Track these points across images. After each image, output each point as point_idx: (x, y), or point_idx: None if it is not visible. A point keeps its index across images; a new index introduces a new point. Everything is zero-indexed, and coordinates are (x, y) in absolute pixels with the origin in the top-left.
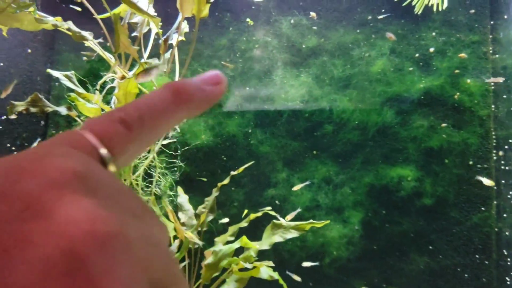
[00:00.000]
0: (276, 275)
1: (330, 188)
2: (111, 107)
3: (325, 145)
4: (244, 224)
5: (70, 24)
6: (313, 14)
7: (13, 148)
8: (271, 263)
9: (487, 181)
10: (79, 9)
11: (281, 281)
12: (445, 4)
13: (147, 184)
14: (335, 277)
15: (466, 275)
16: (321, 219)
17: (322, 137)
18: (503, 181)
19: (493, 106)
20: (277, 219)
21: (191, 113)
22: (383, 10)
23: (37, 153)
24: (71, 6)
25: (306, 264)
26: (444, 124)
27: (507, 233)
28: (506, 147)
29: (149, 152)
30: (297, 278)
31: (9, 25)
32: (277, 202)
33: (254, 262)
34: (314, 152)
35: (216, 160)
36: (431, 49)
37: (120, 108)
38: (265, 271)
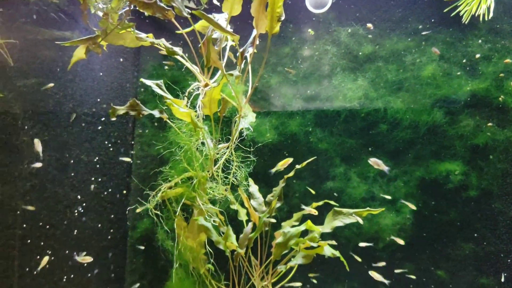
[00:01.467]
0: (337, 253)
1: (384, 181)
2: (196, 111)
3: (380, 143)
4: (305, 212)
5: (163, 40)
6: (369, 25)
7: (109, 145)
8: (334, 242)
9: None
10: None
11: (342, 259)
12: (491, 14)
13: (225, 175)
14: (388, 260)
15: (508, 260)
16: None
17: (376, 135)
18: None
19: None
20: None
21: None
22: (433, 20)
23: None
24: (149, 20)
25: (362, 244)
26: (489, 124)
27: None
28: None
29: (227, 148)
30: (358, 258)
31: (115, 42)
32: (335, 194)
33: (319, 242)
34: (369, 149)
35: (280, 156)
36: (477, 55)
37: None
38: (328, 249)
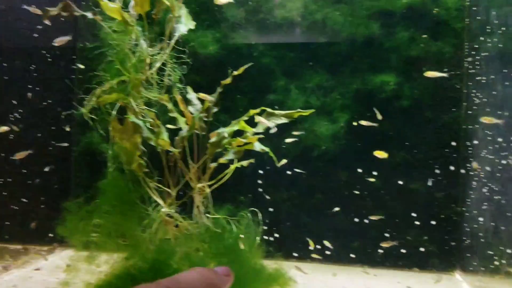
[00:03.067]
0: (267, 149)
1: (321, 93)
2: (128, 11)
3: (319, 56)
4: (244, 118)
5: None
6: None
7: (46, 53)
8: (262, 136)
9: None
10: None
11: (271, 154)
12: None
13: (161, 78)
14: (322, 167)
15: (436, 166)
16: (313, 120)
17: (316, 48)
18: (470, 83)
19: (467, 20)
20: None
21: None
22: None
23: None
24: None
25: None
26: (424, 36)
27: (475, 132)
28: (473, 53)
29: (162, 49)
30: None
31: None
32: (276, 106)
33: (249, 138)
34: (310, 63)
35: (223, 70)
36: None
37: (165, 280)
38: (258, 145)
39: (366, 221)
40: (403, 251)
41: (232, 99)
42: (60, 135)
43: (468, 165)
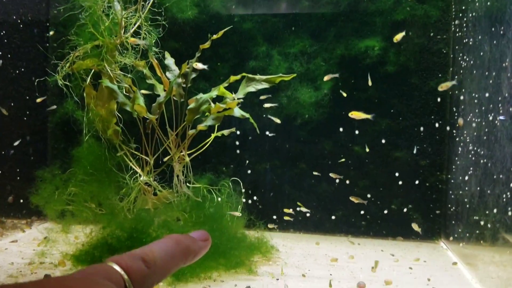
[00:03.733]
0: (247, 115)
1: (304, 59)
2: None
3: (302, 21)
4: (225, 84)
5: None
6: None
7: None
8: (240, 101)
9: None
10: None
11: (252, 120)
12: None
13: (136, 44)
14: (306, 136)
15: (422, 134)
16: (296, 87)
17: (298, 14)
18: (456, 47)
19: None
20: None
21: (189, 259)
22: None
23: (85, 282)
24: None
25: (277, 120)
26: None
27: (461, 96)
28: (461, 15)
29: (136, 10)
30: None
31: None
32: (257, 73)
33: (228, 103)
34: (292, 28)
35: (201, 35)
36: None
37: (139, 250)
38: (238, 110)
39: (350, 190)
40: (386, 220)
41: (212, 66)
42: (34, 105)
43: (454, 131)
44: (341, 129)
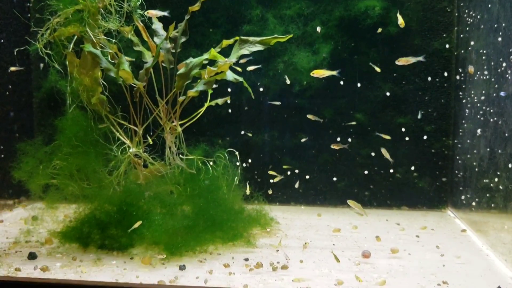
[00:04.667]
0: (240, 78)
1: (301, 21)
2: None
3: None
4: (217, 49)
5: None
6: None
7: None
8: (232, 64)
9: None
10: None
11: (246, 84)
12: None
13: (119, 4)
14: (306, 104)
15: (426, 97)
16: (292, 51)
17: None
18: (461, 3)
19: None
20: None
21: None
22: None
23: None
24: None
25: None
26: None
27: (467, 56)
28: None
29: None
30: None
31: None
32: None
33: (220, 66)
34: None
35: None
36: None
37: None
38: (231, 74)
39: (352, 160)
40: (390, 189)
41: (204, 33)
42: (18, 78)
43: (460, 93)
44: (342, 96)
